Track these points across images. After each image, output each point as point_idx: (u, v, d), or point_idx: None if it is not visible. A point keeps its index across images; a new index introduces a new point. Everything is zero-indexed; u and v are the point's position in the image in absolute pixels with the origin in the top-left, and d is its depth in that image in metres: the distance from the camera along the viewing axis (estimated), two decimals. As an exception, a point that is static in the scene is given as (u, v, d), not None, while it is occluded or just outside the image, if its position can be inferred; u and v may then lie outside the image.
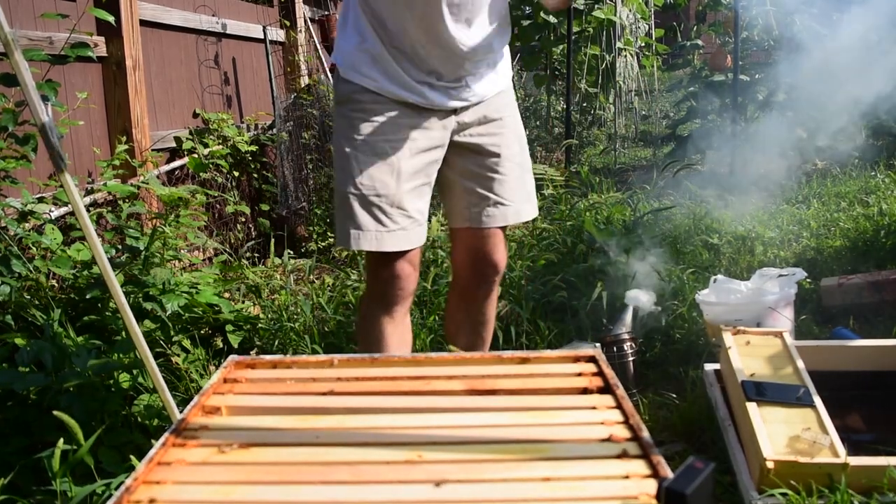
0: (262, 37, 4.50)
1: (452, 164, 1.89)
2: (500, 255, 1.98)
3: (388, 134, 1.74)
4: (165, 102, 3.76)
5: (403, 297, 1.81)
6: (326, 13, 5.32)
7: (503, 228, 1.97)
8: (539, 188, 3.90)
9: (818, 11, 5.37)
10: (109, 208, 2.81)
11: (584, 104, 6.76)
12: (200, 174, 3.58)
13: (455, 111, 1.83)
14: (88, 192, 2.89)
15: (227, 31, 4.30)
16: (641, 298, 2.65)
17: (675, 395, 2.28)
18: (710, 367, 2.21)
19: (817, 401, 1.81)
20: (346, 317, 2.84)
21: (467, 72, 1.80)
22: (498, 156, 1.90)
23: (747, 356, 2.00)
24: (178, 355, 2.37)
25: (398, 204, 1.75)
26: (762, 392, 1.83)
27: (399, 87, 1.74)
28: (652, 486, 0.94)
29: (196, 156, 3.54)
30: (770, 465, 1.62)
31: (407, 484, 0.97)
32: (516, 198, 1.94)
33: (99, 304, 2.34)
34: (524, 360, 1.36)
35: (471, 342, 2.07)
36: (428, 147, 1.80)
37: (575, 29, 5.71)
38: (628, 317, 2.56)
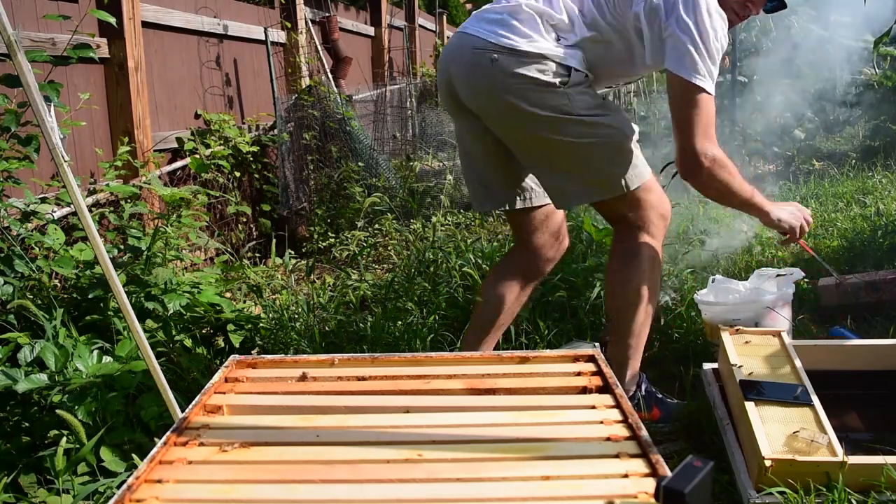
0: (263, 38, 4.51)
1: None
2: None
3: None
4: (167, 103, 3.77)
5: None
6: (327, 15, 5.33)
7: None
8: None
9: (815, 13, 5.38)
10: (111, 208, 2.82)
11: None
12: (202, 174, 3.59)
13: None
14: (91, 193, 2.90)
15: (229, 33, 4.30)
16: None
17: (673, 395, 2.28)
18: (708, 366, 2.22)
19: (815, 400, 1.81)
20: (347, 316, 2.85)
21: None
22: None
23: (745, 355, 2.01)
24: (180, 355, 2.38)
25: None
26: (760, 391, 1.84)
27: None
28: (650, 484, 0.95)
29: (198, 156, 3.55)
30: (768, 463, 1.62)
31: (407, 483, 0.98)
32: None
33: (101, 304, 2.34)
34: (524, 360, 1.37)
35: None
36: None
37: (575, 29, 5.70)
38: (627, 317, 2.56)
